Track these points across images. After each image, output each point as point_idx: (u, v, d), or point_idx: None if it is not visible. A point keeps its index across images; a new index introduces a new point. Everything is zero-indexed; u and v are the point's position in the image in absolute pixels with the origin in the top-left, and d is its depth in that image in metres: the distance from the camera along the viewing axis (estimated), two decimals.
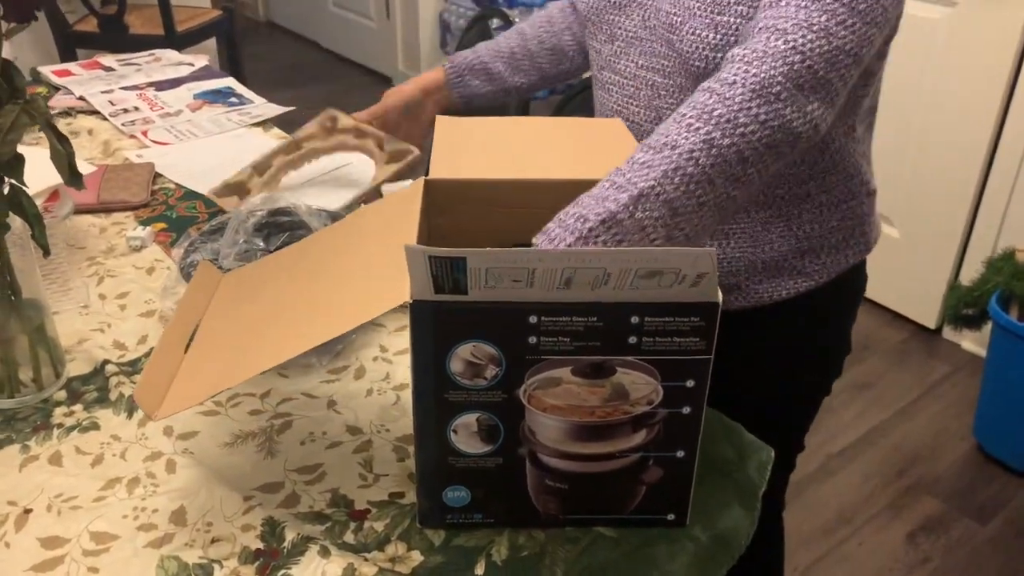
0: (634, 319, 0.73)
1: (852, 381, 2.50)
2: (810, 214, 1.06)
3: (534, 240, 0.80)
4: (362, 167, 1.43)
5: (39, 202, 1.17)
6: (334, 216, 1.17)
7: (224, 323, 0.90)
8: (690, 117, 0.81)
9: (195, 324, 0.92)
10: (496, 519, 0.83)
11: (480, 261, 0.69)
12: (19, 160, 0.87)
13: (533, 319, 0.73)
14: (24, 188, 0.89)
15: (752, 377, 1.15)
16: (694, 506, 0.84)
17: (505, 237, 0.89)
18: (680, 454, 0.80)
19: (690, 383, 0.77)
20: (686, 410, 0.78)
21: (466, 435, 0.79)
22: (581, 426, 0.78)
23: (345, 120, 1.41)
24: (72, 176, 0.89)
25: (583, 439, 0.79)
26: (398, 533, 0.84)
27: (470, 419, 0.78)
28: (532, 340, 0.74)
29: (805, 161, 1.02)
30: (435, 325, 0.74)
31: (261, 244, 1.13)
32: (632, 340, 0.74)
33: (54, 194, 1.25)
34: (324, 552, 0.81)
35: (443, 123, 1.06)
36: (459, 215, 0.93)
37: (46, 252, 0.93)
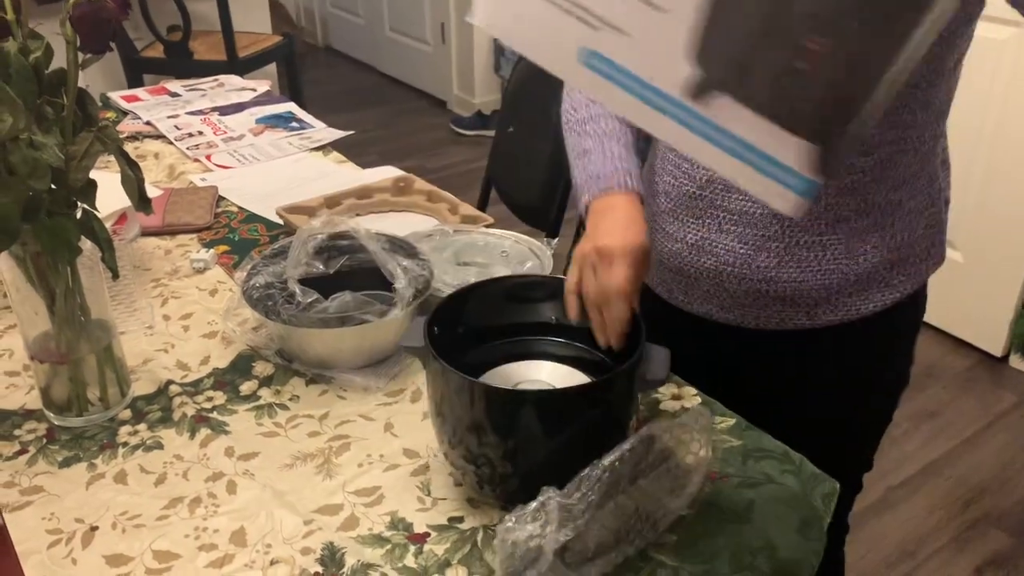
0: None
1: (915, 410, 2.43)
2: (901, 222, 1.03)
3: None
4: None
5: (108, 225, 1.21)
6: (393, 240, 1.18)
7: None
8: None
9: None
10: None
11: None
12: (92, 186, 0.89)
13: None
14: (96, 212, 0.92)
15: (830, 393, 1.12)
16: (757, 537, 0.83)
17: None
18: None
19: None
20: None
21: None
22: None
23: (421, 184, 1.44)
24: (141, 201, 0.91)
25: None
26: (458, 558, 0.84)
27: None
28: None
29: (899, 164, 1.00)
30: None
31: (321, 267, 1.14)
32: None
33: (122, 217, 1.28)
34: None
35: None
36: None
37: (115, 275, 0.95)
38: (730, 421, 1.00)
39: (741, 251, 1.04)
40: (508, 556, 0.77)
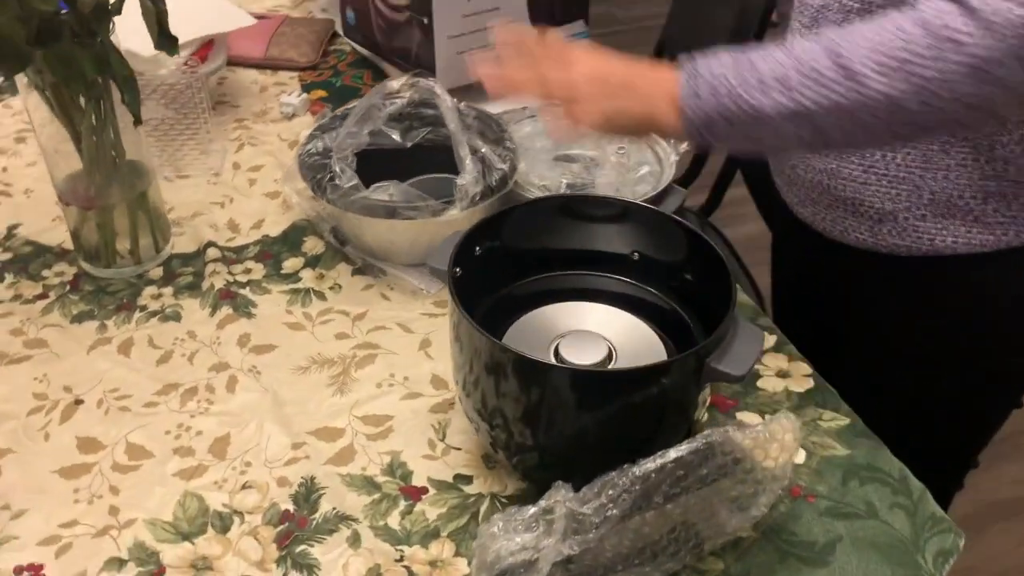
0: None
1: None
2: (1006, 148, 0.75)
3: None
4: None
5: (185, 54, 1.08)
6: (482, 116, 0.98)
7: None
8: (890, 55, 0.62)
9: None
10: None
11: None
12: (103, 12, 0.75)
13: None
14: (114, 44, 0.78)
15: (914, 346, 0.87)
16: None
17: None
18: None
19: None
20: None
21: None
22: None
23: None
24: (162, 38, 0.76)
25: None
26: (450, 529, 0.69)
27: None
28: None
29: None
30: None
31: (396, 136, 0.97)
32: None
33: (207, 45, 1.15)
34: (355, 540, 0.68)
35: None
36: None
37: (137, 120, 0.83)
38: (842, 421, 0.78)
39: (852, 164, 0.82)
40: (487, 567, 0.62)
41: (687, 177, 1.57)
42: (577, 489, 0.63)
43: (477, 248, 0.73)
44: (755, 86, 0.64)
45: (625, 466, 0.62)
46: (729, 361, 0.63)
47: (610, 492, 0.62)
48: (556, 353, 0.71)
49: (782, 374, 0.82)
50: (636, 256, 0.78)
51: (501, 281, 0.77)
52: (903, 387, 0.89)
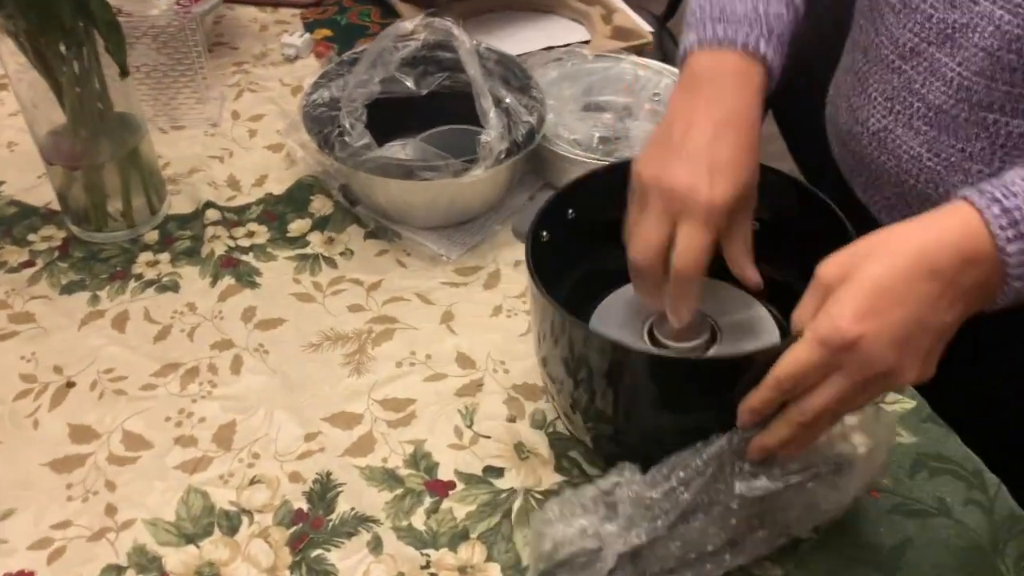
0: None
1: None
2: None
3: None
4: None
5: None
6: (504, 60, 0.89)
7: None
8: None
9: None
10: None
11: None
12: None
13: None
14: None
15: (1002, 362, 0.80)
16: None
17: None
18: None
19: None
20: None
21: None
22: None
23: None
24: None
25: None
26: (480, 530, 0.63)
27: None
28: None
29: None
30: None
31: (410, 84, 0.88)
32: None
33: None
34: (376, 545, 0.62)
35: None
36: None
37: (123, 71, 0.74)
38: (907, 405, 0.71)
39: (928, 163, 0.71)
40: (546, 557, 0.56)
41: None
42: (645, 470, 0.56)
43: (570, 211, 0.65)
44: None
45: (698, 444, 0.55)
46: None
47: (681, 474, 0.55)
48: (650, 333, 0.63)
49: None
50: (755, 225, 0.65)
51: (589, 247, 0.68)
52: (976, 374, 0.80)
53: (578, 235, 0.66)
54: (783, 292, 0.64)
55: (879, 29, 0.74)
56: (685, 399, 0.57)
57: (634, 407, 0.58)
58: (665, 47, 1.42)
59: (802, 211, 0.65)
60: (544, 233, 0.63)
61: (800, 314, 0.52)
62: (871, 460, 0.59)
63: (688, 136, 0.59)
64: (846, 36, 0.84)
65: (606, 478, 0.58)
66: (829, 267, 0.51)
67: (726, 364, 0.57)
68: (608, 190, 0.64)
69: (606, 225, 0.63)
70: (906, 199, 0.76)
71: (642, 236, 0.59)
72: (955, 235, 0.50)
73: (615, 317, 0.67)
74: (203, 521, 0.63)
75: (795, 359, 0.50)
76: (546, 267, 0.60)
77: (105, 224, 0.84)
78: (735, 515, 0.55)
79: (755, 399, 0.53)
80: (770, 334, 0.65)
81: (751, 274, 0.62)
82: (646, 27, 1.09)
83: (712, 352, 0.63)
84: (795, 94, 0.84)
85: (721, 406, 0.54)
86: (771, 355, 0.51)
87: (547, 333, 0.60)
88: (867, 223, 0.64)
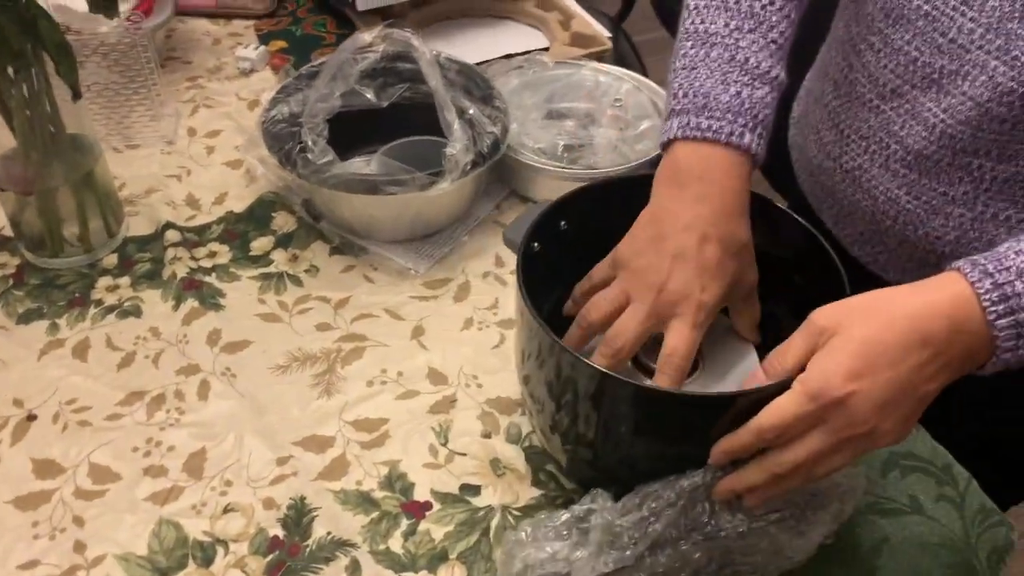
0: None
1: None
2: None
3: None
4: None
5: (127, 8, 0.97)
6: (465, 70, 0.89)
7: None
8: None
9: None
10: None
11: None
12: None
13: None
14: (41, 7, 0.67)
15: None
16: None
17: None
18: None
19: None
20: None
21: None
22: None
23: None
24: None
25: None
26: (459, 550, 0.63)
27: None
28: None
29: None
30: None
31: (371, 96, 0.87)
32: None
33: None
34: (354, 569, 0.61)
35: None
36: None
37: (75, 94, 0.72)
38: None
39: (908, 205, 0.70)
40: None
41: None
42: (617, 498, 0.56)
43: (563, 223, 0.65)
44: None
45: (672, 477, 0.55)
46: None
47: (652, 505, 0.55)
48: (635, 357, 0.62)
49: None
50: None
51: (586, 261, 0.66)
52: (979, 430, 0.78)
53: (569, 247, 0.66)
54: (766, 319, 0.65)
55: (854, 65, 0.71)
56: (668, 432, 0.57)
57: (615, 435, 0.58)
58: (621, 49, 1.43)
59: (788, 241, 0.65)
60: (535, 244, 0.63)
61: (786, 355, 0.52)
62: (839, 509, 0.59)
63: (679, 239, 0.58)
64: (819, 41, 0.82)
65: (581, 504, 0.57)
66: (824, 315, 0.52)
67: (714, 402, 0.56)
68: (602, 204, 0.65)
69: (597, 238, 0.63)
70: (882, 237, 0.74)
71: (622, 324, 0.58)
72: (946, 307, 0.50)
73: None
74: (177, 553, 0.62)
75: (782, 410, 0.50)
76: (534, 277, 0.59)
77: (61, 249, 0.82)
78: (700, 550, 0.56)
79: (735, 442, 0.53)
80: (750, 363, 0.65)
81: (754, 338, 0.65)
82: (605, 33, 1.09)
83: (692, 380, 0.63)
84: None
85: (703, 441, 0.54)
86: (755, 397, 0.52)
87: (533, 353, 0.60)
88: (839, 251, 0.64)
